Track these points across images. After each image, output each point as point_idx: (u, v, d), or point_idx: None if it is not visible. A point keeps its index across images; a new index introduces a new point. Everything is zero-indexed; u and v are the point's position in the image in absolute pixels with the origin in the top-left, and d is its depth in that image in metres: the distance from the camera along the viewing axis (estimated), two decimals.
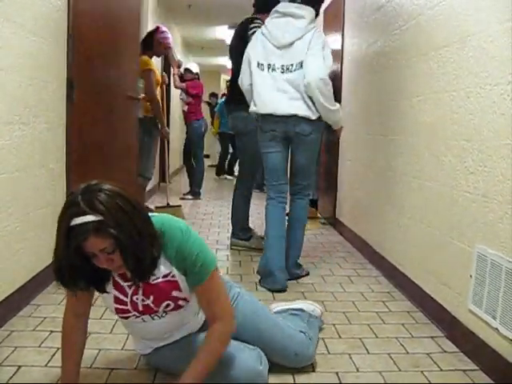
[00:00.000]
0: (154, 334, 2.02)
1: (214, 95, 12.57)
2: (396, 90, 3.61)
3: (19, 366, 2.20)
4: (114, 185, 1.67)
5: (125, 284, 1.85)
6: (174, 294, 1.87)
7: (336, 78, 5.47)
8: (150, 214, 1.81)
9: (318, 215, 5.64)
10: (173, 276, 1.84)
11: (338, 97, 5.32)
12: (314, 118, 3.37)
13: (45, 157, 3.14)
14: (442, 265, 2.76)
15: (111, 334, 2.55)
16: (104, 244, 1.58)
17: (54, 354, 2.32)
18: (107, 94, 4.17)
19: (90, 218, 1.54)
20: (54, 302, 2.95)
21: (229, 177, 10.39)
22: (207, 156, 10.53)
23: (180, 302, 1.90)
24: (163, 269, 1.82)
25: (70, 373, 1.93)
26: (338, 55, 5.40)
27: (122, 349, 2.41)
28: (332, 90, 3.38)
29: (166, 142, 6.00)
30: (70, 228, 1.55)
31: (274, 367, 2.13)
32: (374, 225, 4.05)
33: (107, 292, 1.86)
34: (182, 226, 1.84)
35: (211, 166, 12.11)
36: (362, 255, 4.23)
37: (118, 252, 1.62)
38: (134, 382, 2.11)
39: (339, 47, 5.37)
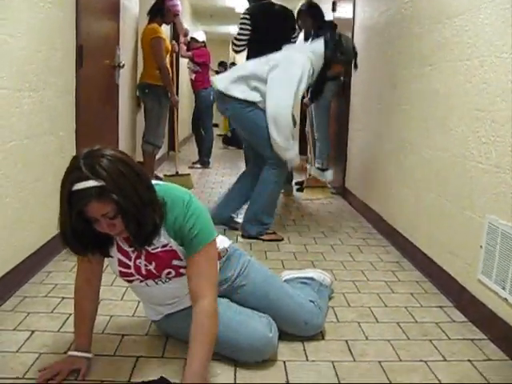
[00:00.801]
0: (159, 298, 2.04)
1: (222, 64, 12.44)
2: (408, 59, 3.56)
3: (32, 331, 2.23)
4: (116, 150, 1.68)
5: (129, 249, 1.86)
6: (175, 262, 1.88)
7: None
8: (155, 182, 1.81)
9: (328, 185, 5.62)
10: (171, 246, 1.84)
11: (348, 67, 5.29)
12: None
13: (54, 124, 3.13)
14: (452, 235, 2.76)
15: (122, 301, 2.58)
16: (105, 209, 1.59)
17: (66, 320, 2.34)
18: (101, 60, 4.15)
19: (91, 183, 1.55)
20: (65, 269, 2.98)
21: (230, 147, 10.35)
22: (216, 125, 10.41)
23: (181, 271, 1.90)
24: (162, 239, 1.81)
25: (82, 337, 1.96)
26: (349, 25, 5.34)
27: (132, 315, 2.43)
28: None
29: (175, 111, 5.97)
30: (71, 193, 1.56)
31: (284, 335, 2.15)
32: (383, 195, 4.04)
33: (111, 256, 1.87)
34: (186, 196, 1.82)
35: (220, 135, 12.05)
36: (372, 225, 4.23)
37: (119, 217, 1.62)
38: (146, 347, 2.13)
39: (350, 16, 5.30)
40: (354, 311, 2.55)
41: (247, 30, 4.85)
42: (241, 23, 4.87)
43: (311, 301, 2.26)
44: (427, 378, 1.96)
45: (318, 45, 3.70)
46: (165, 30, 5.80)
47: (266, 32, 4.77)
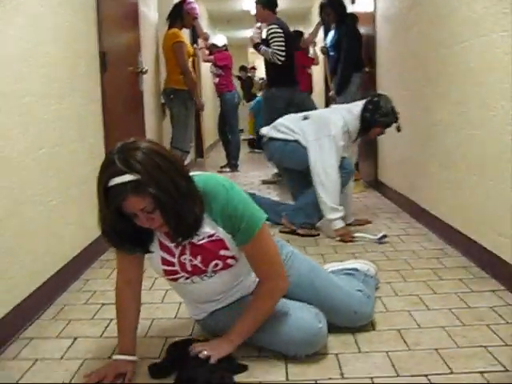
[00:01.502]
0: (205, 295, 1.97)
1: (243, 68, 12.42)
2: (435, 40, 3.46)
3: (75, 338, 2.19)
4: (151, 142, 1.64)
5: (171, 244, 1.80)
6: (222, 252, 1.81)
7: (369, 41, 5.33)
8: (192, 173, 1.76)
9: (361, 178, 5.51)
10: (217, 236, 1.78)
11: (373, 58, 5.21)
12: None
13: (83, 131, 3.11)
14: (499, 216, 2.63)
15: (163, 304, 2.52)
16: (143, 203, 1.55)
17: (107, 326, 2.30)
18: (124, 68, 4.12)
19: (127, 177, 1.51)
20: (102, 277, 2.94)
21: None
22: (241, 130, 10.34)
23: (229, 261, 1.84)
24: (208, 229, 1.76)
25: (126, 340, 1.91)
26: (369, 16, 5.26)
27: (174, 317, 2.37)
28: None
29: (200, 116, 5.93)
30: (107, 189, 1.53)
31: (333, 329, 2.05)
32: (420, 182, 3.93)
33: (151, 252, 1.82)
34: (227, 183, 1.78)
35: (245, 139, 11.99)
36: (409, 215, 4.11)
37: (158, 211, 1.58)
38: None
39: (371, 8, 5.23)
40: (403, 300, 2.46)
41: (283, 40, 5.37)
42: (276, 35, 5.39)
43: (359, 290, 2.18)
44: (490, 364, 1.85)
45: (356, 105, 3.69)
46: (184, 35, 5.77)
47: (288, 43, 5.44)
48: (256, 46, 5.65)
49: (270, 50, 5.42)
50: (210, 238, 1.78)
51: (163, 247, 1.82)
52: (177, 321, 2.34)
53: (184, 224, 1.64)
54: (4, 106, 2.20)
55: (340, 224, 3.51)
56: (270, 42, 5.44)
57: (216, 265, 1.83)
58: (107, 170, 1.55)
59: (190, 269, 1.84)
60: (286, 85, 5.62)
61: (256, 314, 1.84)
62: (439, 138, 3.47)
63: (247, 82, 12.49)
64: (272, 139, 3.80)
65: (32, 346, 2.14)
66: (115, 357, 1.90)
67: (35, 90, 2.49)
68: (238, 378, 1.81)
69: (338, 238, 3.48)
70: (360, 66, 5.42)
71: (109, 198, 1.54)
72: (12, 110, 2.27)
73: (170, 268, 1.85)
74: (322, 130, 3.57)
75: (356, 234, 3.50)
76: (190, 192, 1.65)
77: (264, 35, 5.76)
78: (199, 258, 1.81)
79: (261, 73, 14.66)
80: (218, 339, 1.88)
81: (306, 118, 3.74)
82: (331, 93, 5.86)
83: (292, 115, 3.93)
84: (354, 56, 5.37)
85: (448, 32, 3.23)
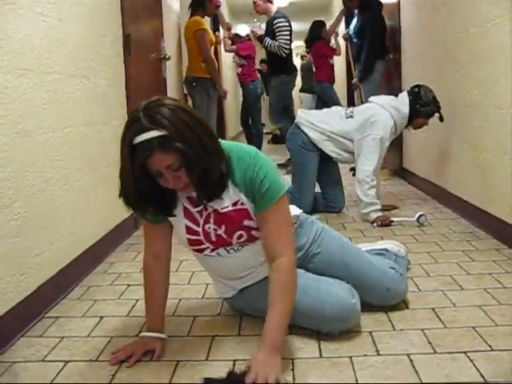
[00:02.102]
0: (231, 271, 1.91)
1: (264, 61, 12.32)
2: (465, 20, 3.37)
3: (101, 317, 2.16)
4: (176, 100, 1.61)
5: (194, 210, 1.76)
6: (246, 223, 1.76)
7: (393, 27, 5.25)
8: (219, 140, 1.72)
9: (385, 166, 5.43)
10: (242, 204, 1.73)
11: (397, 45, 5.12)
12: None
13: (107, 113, 3.08)
14: None
15: (189, 285, 2.48)
16: (169, 160, 1.51)
17: (134, 305, 2.26)
18: (147, 53, 4.09)
19: (153, 133, 1.48)
20: (127, 260, 2.91)
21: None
22: (262, 124, 10.28)
23: (253, 233, 1.79)
24: (232, 195, 1.72)
25: (154, 317, 1.87)
26: (395, 2, 5.17)
27: (202, 298, 2.33)
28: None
29: (222, 106, 5.89)
30: (133, 147, 1.49)
31: (365, 307, 1.97)
32: (448, 167, 3.84)
33: (175, 215, 1.77)
34: (252, 151, 1.73)
35: (267, 133, 11.92)
36: (437, 201, 4.03)
37: (184, 169, 1.54)
38: (220, 327, 2.02)
39: None
40: (435, 280, 2.39)
41: (289, 34, 5.68)
42: (283, 29, 5.65)
43: (392, 267, 2.11)
44: None
45: (403, 103, 3.59)
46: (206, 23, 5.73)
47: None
48: (260, 38, 5.86)
49: (276, 43, 5.63)
50: (234, 207, 1.73)
51: (187, 214, 1.78)
52: (204, 301, 2.30)
53: (209, 181, 1.60)
54: (29, 82, 2.17)
55: (375, 215, 3.46)
56: (277, 35, 5.63)
57: (240, 236, 1.78)
58: (132, 127, 1.50)
59: (214, 239, 1.79)
60: (291, 72, 6.00)
61: (279, 312, 1.65)
62: (468, 119, 3.38)
63: (268, 76, 12.40)
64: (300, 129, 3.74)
65: (58, 325, 2.11)
66: (143, 334, 1.86)
67: (59, 68, 2.46)
68: None
69: (379, 223, 3.41)
70: (384, 53, 5.34)
71: (134, 156, 1.50)
72: (37, 86, 2.24)
73: (194, 237, 1.80)
74: (370, 128, 3.52)
75: (393, 219, 3.44)
76: (216, 150, 1.62)
77: (263, 27, 6.10)
78: (223, 227, 1.76)
79: None
80: (262, 354, 1.59)
81: (351, 116, 3.66)
82: (354, 80, 5.78)
83: (335, 111, 3.83)
84: (377, 43, 5.28)
85: (479, 10, 3.14)
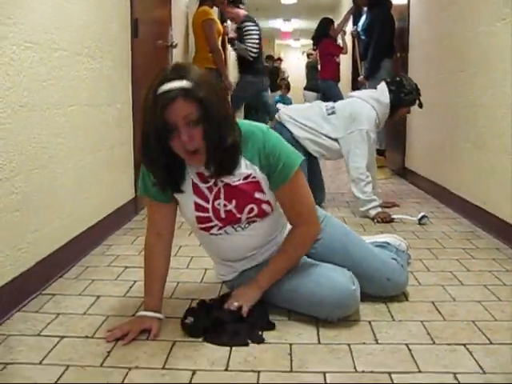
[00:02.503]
0: (238, 250, 1.90)
1: (270, 57, 12.32)
2: (473, 19, 3.36)
3: (98, 296, 2.15)
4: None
5: (204, 186, 1.76)
6: (257, 195, 1.77)
7: (402, 25, 5.23)
8: None
9: (386, 166, 5.42)
10: (254, 177, 1.75)
11: (405, 43, 5.10)
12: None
13: (112, 95, 3.06)
14: None
15: (188, 269, 2.47)
16: (190, 109, 1.56)
17: (131, 286, 2.25)
18: (155, 40, 4.07)
19: (178, 83, 1.55)
20: (125, 243, 2.89)
21: None
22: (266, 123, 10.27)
23: (264, 206, 1.78)
24: (244, 170, 1.74)
25: (153, 296, 1.86)
26: (405, 5, 5.16)
27: (200, 281, 2.32)
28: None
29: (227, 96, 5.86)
30: (158, 95, 1.55)
31: (364, 297, 1.96)
32: (451, 167, 3.83)
33: (182, 191, 1.77)
34: (263, 127, 1.79)
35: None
36: (438, 200, 4.01)
37: (200, 127, 1.58)
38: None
39: None
40: (435, 275, 2.38)
41: (257, 38, 5.68)
42: (250, 33, 5.64)
43: (393, 258, 2.10)
44: None
45: (383, 94, 3.57)
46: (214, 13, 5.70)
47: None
48: (231, 41, 5.94)
49: (243, 46, 5.65)
50: (246, 180, 1.75)
51: (196, 190, 1.77)
52: (202, 285, 2.28)
53: (222, 145, 1.63)
54: (35, 56, 2.15)
55: (374, 212, 3.44)
56: (245, 38, 5.66)
57: (251, 210, 1.77)
58: (159, 78, 1.58)
59: (223, 216, 1.78)
60: (258, 74, 5.93)
61: (285, 259, 1.84)
62: (473, 119, 3.37)
63: (273, 72, 12.39)
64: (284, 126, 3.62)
65: (54, 302, 2.09)
66: (140, 313, 1.85)
67: (66, 45, 2.44)
68: (268, 340, 1.74)
69: (379, 219, 3.39)
70: (391, 52, 5.33)
71: (157, 101, 1.54)
72: (43, 61, 2.22)
73: (203, 215, 1.79)
74: (354, 124, 3.49)
75: (395, 216, 3.42)
76: (232, 117, 1.69)
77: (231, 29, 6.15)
78: (234, 202, 1.76)
79: (287, 65, 14.62)
80: (246, 286, 1.86)
81: (333, 112, 3.60)
82: (360, 77, 5.77)
83: (316, 109, 3.70)
84: (385, 41, 5.27)
85: (488, 10, 3.13)
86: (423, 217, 3.31)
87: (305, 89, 10.18)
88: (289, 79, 12.41)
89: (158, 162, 1.67)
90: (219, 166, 1.68)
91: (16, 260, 2.02)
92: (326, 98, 7.22)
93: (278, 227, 1.91)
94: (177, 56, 4.80)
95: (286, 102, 9.75)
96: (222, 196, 1.75)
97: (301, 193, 1.80)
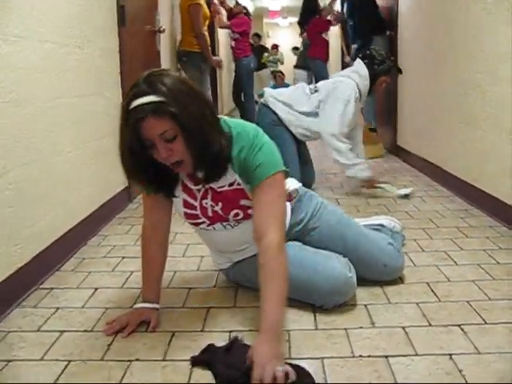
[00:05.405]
0: (228, 244, 1.91)
1: (257, 35, 12.16)
2: None
3: (95, 288, 2.15)
4: (179, 74, 1.61)
5: (194, 188, 1.75)
6: (242, 202, 1.75)
7: (392, 5, 5.20)
8: (221, 116, 1.71)
9: (380, 141, 5.39)
10: (238, 184, 1.71)
11: (394, 21, 5.07)
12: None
13: (100, 84, 3.04)
14: None
15: (184, 258, 2.48)
16: (162, 127, 1.48)
17: (128, 277, 2.26)
18: (142, 25, 4.03)
19: (149, 98, 1.46)
20: (121, 232, 2.90)
21: None
22: (256, 102, 10.22)
23: (249, 211, 1.76)
24: (229, 175, 1.69)
25: (150, 288, 1.87)
26: None
27: (197, 270, 2.33)
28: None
29: (216, 84, 5.83)
30: (129, 111, 1.47)
31: (361, 281, 1.97)
32: (442, 145, 3.83)
33: (175, 196, 1.77)
34: (252, 131, 1.68)
35: None
36: (431, 178, 4.03)
37: (179, 140, 1.51)
38: (215, 298, 2.02)
39: None
40: (430, 256, 2.40)
41: None
42: None
43: (389, 243, 2.11)
44: None
45: (360, 67, 3.62)
46: None
47: None
48: None
49: None
50: (231, 187, 1.71)
51: (185, 189, 1.76)
52: (199, 273, 2.29)
53: (209, 156, 1.57)
54: (22, 49, 2.13)
55: (363, 174, 3.52)
56: None
57: (237, 214, 1.77)
58: (131, 91, 1.50)
59: (210, 214, 1.78)
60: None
61: (273, 282, 1.54)
62: (464, 97, 3.37)
63: (258, 50, 12.24)
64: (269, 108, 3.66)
65: (52, 296, 2.10)
66: (138, 305, 1.86)
67: (52, 36, 2.42)
68: None
69: (364, 186, 3.51)
70: (381, 30, 5.30)
71: (129, 119, 1.47)
72: (30, 54, 2.20)
73: (191, 211, 1.79)
74: (332, 93, 3.53)
75: (381, 185, 3.51)
76: (216, 123, 1.61)
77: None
78: (220, 204, 1.75)
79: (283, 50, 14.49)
80: (265, 351, 1.41)
81: (316, 90, 3.63)
82: (347, 58, 5.74)
83: (301, 88, 3.75)
84: (371, 19, 5.26)
85: None
86: (406, 195, 3.42)
87: (295, 67, 10.14)
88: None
89: (143, 174, 1.64)
90: (206, 172, 1.65)
91: (12, 256, 2.02)
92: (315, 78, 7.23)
93: None
94: (164, 42, 4.76)
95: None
96: (209, 197, 1.75)
97: (270, 200, 1.62)
